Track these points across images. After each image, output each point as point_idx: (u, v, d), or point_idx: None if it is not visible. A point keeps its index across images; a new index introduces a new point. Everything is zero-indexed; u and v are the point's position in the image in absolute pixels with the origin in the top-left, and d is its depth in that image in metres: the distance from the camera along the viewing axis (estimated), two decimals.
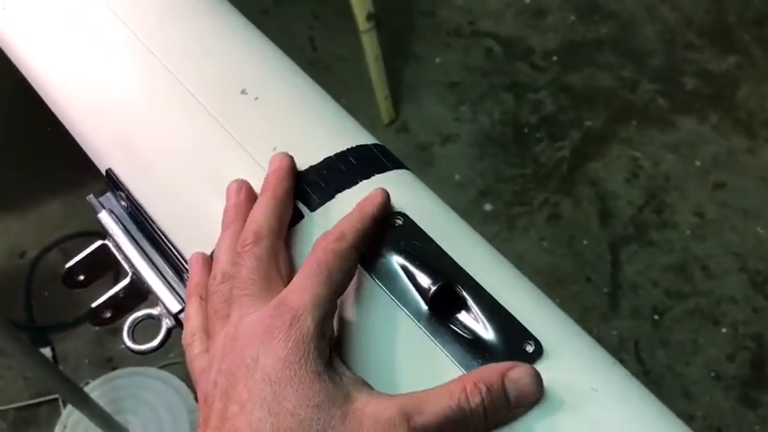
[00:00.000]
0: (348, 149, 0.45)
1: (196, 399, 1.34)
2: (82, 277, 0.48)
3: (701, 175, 1.78)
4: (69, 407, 1.47)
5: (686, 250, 1.68)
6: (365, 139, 0.46)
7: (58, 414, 1.50)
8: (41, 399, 1.52)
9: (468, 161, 1.79)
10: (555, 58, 1.97)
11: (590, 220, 1.72)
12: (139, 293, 0.47)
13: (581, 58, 1.97)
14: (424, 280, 0.39)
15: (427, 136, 1.83)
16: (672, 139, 1.83)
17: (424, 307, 0.39)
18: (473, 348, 0.38)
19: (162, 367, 1.52)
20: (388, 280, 0.40)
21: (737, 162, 1.79)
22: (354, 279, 0.40)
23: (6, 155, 1.84)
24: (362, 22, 1.65)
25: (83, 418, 1.37)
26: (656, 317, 1.59)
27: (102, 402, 1.36)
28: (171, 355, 1.55)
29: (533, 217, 1.72)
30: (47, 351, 1.56)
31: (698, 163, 1.79)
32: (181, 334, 0.45)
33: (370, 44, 1.69)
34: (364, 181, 0.44)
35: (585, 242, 1.69)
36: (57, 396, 1.50)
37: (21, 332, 1.57)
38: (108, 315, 0.48)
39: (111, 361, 1.57)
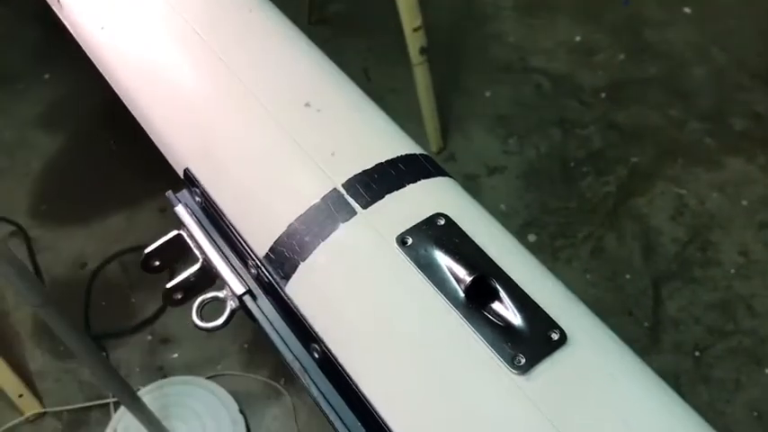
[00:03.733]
0: (398, 157, 0.50)
1: (240, 410, 1.39)
2: (157, 263, 0.54)
3: (747, 214, 1.78)
4: (119, 411, 1.53)
5: (730, 289, 1.68)
6: (413, 149, 0.52)
7: (109, 418, 1.57)
8: (94, 402, 1.59)
9: (514, 192, 1.83)
10: (603, 95, 2.00)
11: (633, 254, 1.73)
12: (208, 278, 0.52)
13: (629, 95, 2.00)
14: (462, 272, 0.44)
15: (474, 166, 1.88)
16: (718, 178, 1.84)
17: (462, 295, 0.44)
18: (504, 334, 0.42)
19: (210, 378, 1.58)
20: (430, 271, 0.45)
21: None
22: (401, 270, 0.45)
23: (75, 171, 1.95)
24: (415, 56, 1.72)
25: (132, 423, 1.44)
26: (698, 353, 1.59)
27: (151, 408, 1.42)
28: (219, 367, 1.62)
29: (577, 249, 1.75)
30: None
31: (744, 203, 1.80)
32: (242, 316, 0.50)
33: (422, 76, 1.75)
34: (411, 185, 0.49)
35: (628, 276, 1.70)
36: (108, 401, 1.57)
37: None
38: (179, 296, 0.53)
39: (161, 369, 1.63)
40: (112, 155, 1.94)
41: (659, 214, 1.79)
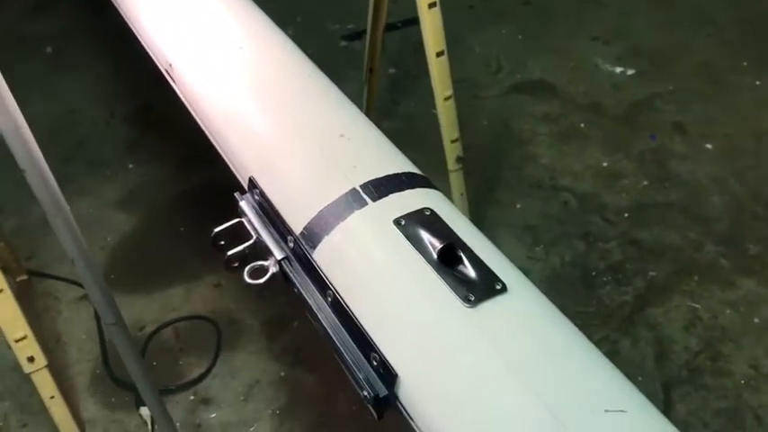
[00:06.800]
0: (402, 172, 0.70)
1: None
2: (222, 242, 0.73)
3: (759, 331, 1.88)
4: None
5: (740, 398, 1.75)
6: (414, 169, 0.71)
7: None
8: None
9: None
10: (626, 214, 2.17)
11: (646, 359, 1.84)
12: (256, 253, 0.71)
13: (650, 217, 2.17)
14: (436, 242, 0.62)
15: None
16: (732, 296, 1.96)
17: (435, 257, 0.61)
18: (462, 283, 0.60)
19: None
20: (415, 242, 0.63)
21: None
22: (395, 240, 0.63)
23: (144, 248, 2.19)
24: (452, 163, 1.94)
25: None
26: None
27: None
28: (251, 429, 1.75)
29: None
30: (145, 410, 1.79)
31: (756, 320, 1.90)
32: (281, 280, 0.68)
33: (456, 182, 1.97)
34: (409, 190, 0.68)
35: (640, 378, 1.80)
36: None
37: (128, 392, 1.83)
38: (236, 265, 0.72)
39: (199, 427, 1.77)
40: (180, 236, 2.18)
41: (673, 324, 1.90)
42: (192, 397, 1.83)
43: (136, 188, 2.36)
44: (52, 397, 1.61)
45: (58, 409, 1.63)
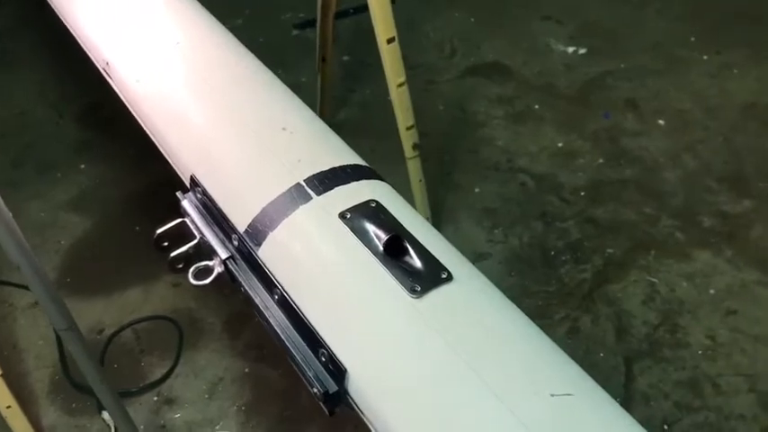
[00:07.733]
0: (347, 164, 0.69)
1: None
2: (166, 244, 0.71)
3: (714, 302, 1.91)
4: None
5: (697, 368, 1.79)
6: (360, 161, 0.70)
7: None
8: None
9: (497, 276, 1.99)
10: (582, 193, 2.19)
11: (607, 335, 1.86)
12: (201, 253, 0.69)
13: (606, 194, 2.19)
14: (382, 234, 0.61)
15: (462, 253, 2.05)
16: (688, 268, 1.99)
17: (381, 249, 0.61)
18: (408, 274, 0.59)
19: None
20: (361, 234, 0.62)
21: (750, 293, 1.93)
22: (340, 234, 0.62)
23: (100, 250, 2.15)
24: (409, 151, 1.93)
25: None
26: (666, 427, 1.69)
27: None
28: (217, 427, 1.74)
29: (554, 330, 1.88)
30: (107, 414, 1.76)
31: (712, 291, 1.94)
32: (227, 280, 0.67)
33: (414, 169, 1.96)
34: (355, 182, 0.67)
35: (602, 354, 1.82)
36: None
37: (90, 396, 1.79)
38: (180, 266, 0.70)
39: (164, 428, 1.75)
40: (136, 236, 2.14)
41: (632, 299, 1.93)
42: (155, 398, 1.80)
43: (88, 189, 2.31)
44: (9, 407, 1.57)
45: (16, 419, 1.59)
